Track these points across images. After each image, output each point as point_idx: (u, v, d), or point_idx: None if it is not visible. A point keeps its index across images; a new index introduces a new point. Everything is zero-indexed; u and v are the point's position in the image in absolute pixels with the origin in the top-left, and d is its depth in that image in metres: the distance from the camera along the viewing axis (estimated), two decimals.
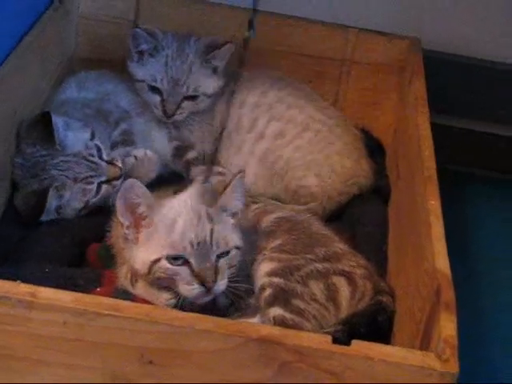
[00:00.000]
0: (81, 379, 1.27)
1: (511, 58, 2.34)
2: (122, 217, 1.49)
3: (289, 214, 1.72)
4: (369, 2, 2.29)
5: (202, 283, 1.45)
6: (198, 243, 1.46)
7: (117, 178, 1.82)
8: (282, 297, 1.50)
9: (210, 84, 2.02)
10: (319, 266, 1.56)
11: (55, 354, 1.25)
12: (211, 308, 1.52)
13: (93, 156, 1.81)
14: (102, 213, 1.77)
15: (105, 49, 2.24)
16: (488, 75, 2.33)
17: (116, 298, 1.38)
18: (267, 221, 1.67)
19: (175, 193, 1.58)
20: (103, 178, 1.81)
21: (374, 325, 1.50)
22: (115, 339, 1.23)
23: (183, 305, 1.47)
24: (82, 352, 1.24)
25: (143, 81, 2.02)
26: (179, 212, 1.50)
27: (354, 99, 2.27)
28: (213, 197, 1.54)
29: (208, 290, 1.45)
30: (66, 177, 1.78)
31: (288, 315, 1.47)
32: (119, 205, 1.48)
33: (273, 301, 1.50)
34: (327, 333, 1.35)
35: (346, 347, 1.21)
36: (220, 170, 2.05)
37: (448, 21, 2.30)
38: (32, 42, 1.90)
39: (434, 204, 1.52)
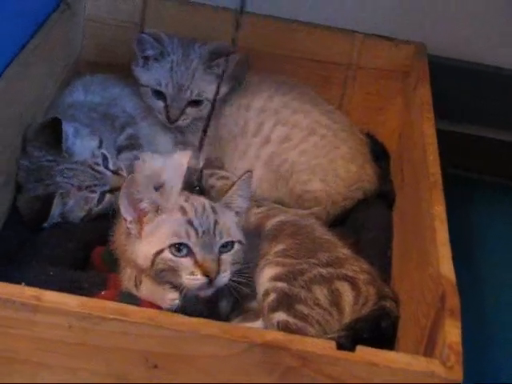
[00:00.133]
0: (84, 383, 1.27)
1: None
2: (124, 212, 1.50)
3: (292, 219, 1.72)
4: (374, 6, 2.29)
5: (205, 274, 1.44)
6: (203, 232, 1.47)
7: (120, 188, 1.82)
8: (285, 302, 1.50)
9: (213, 90, 2.02)
10: (323, 270, 1.56)
11: (59, 357, 1.25)
12: (213, 311, 1.53)
13: (98, 165, 1.82)
14: (106, 216, 1.77)
15: (111, 52, 2.24)
16: (493, 81, 2.34)
17: (121, 301, 1.38)
18: (270, 225, 1.67)
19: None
20: (107, 188, 1.81)
21: (377, 330, 1.50)
22: (120, 343, 1.23)
23: (186, 307, 1.47)
24: (86, 356, 1.24)
25: (147, 86, 2.02)
26: (183, 204, 1.51)
27: (359, 104, 2.27)
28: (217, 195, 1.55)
29: (210, 281, 1.45)
30: (71, 184, 1.79)
31: (292, 320, 1.47)
32: (122, 200, 1.49)
33: (277, 306, 1.50)
34: (331, 338, 1.35)
35: (350, 353, 1.21)
36: (224, 174, 2.05)
37: (453, 26, 2.30)
38: (38, 45, 1.90)
39: (439, 209, 1.52)
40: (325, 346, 1.22)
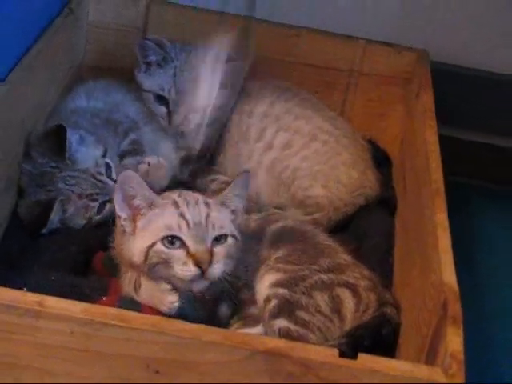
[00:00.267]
0: None
1: None
2: (119, 209, 1.51)
3: (293, 224, 1.72)
4: (377, 13, 2.29)
5: (197, 265, 1.45)
6: (194, 224, 1.47)
7: None
8: (287, 308, 1.50)
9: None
10: (324, 276, 1.56)
11: (62, 363, 1.25)
12: (213, 317, 1.53)
13: (101, 174, 1.82)
14: (107, 223, 1.77)
15: (114, 56, 2.24)
16: (496, 87, 2.34)
17: (121, 307, 1.39)
18: (271, 230, 1.67)
19: None
20: (108, 197, 1.80)
21: (378, 337, 1.50)
22: (122, 349, 1.23)
23: (187, 313, 1.48)
24: (88, 362, 1.24)
25: (150, 91, 2.03)
26: (176, 199, 1.52)
27: (361, 110, 2.28)
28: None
29: (203, 272, 1.45)
30: (72, 192, 1.79)
31: (293, 327, 1.47)
32: (116, 197, 1.50)
33: (278, 312, 1.50)
34: (332, 345, 1.35)
35: (352, 361, 1.21)
36: (226, 179, 2.05)
37: (455, 33, 2.30)
38: (41, 50, 1.90)
39: (441, 217, 1.52)
40: (327, 354, 1.22)
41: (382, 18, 2.29)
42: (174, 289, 1.48)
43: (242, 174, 1.57)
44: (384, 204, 2.03)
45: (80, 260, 1.73)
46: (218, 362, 1.22)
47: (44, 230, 1.76)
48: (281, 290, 1.52)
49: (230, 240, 1.51)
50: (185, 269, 1.46)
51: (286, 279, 1.54)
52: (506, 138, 2.43)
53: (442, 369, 1.20)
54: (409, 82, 2.20)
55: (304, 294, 1.51)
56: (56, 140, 1.79)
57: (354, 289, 1.56)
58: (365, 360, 1.21)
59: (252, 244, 1.62)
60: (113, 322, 1.21)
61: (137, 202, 1.50)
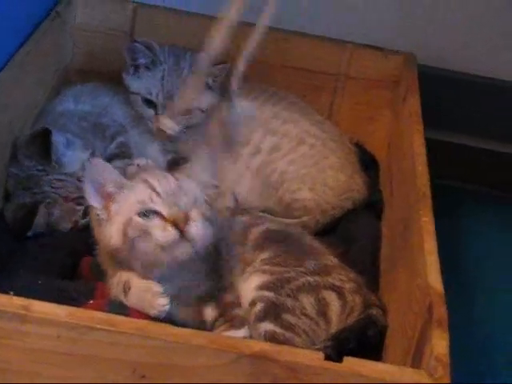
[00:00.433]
0: None
1: (506, 74, 2.34)
2: (92, 200, 1.51)
3: (278, 227, 1.73)
4: (364, 17, 2.30)
5: (175, 226, 1.46)
6: (166, 193, 1.49)
7: None
8: (272, 311, 1.50)
9: (204, 99, 2.03)
10: (310, 279, 1.56)
11: (48, 367, 1.24)
12: (198, 317, 1.54)
13: None
14: None
15: (101, 60, 2.24)
16: (483, 91, 2.35)
17: (110, 311, 1.39)
18: (257, 233, 1.66)
19: None
20: None
21: (364, 339, 1.50)
22: (108, 354, 1.23)
23: (171, 315, 1.49)
24: (74, 366, 1.24)
25: (138, 94, 2.03)
26: (144, 176, 1.54)
27: (348, 113, 2.28)
28: None
29: (182, 233, 1.46)
30: (58, 195, 1.79)
31: (279, 330, 1.47)
32: (87, 188, 1.51)
33: (263, 316, 1.50)
34: (317, 349, 1.36)
35: (338, 364, 1.21)
36: (213, 182, 2.05)
37: (443, 36, 2.31)
38: (28, 53, 1.90)
39: (427, 220, 1.53)
40: (312, 357, 1.22)
41: (370, 21, 2.30)
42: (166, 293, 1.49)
43: (199, 149, 1.62)
44: (371, 207, 2.03)
45: (67, 264, 1.72)
46: (205, 365, 1.22)
47: (29, 233, 1.76)
48: (266, 293, 1.52)
49: (204, 204, 1.53)
50: (164, 233, 1.46)
51: (271, 281, 1.54)
52: (500, 143, 2.44)
53: (428, 372, 1.20)
54: (396, 86, 2.20)
55: (290, 296, 1.52)
56: (42, 143, 1.79)
57: (339, 291, 1.56)
58: (350, 363, 1.21)
59: (237, 247, 1.62)
60: (99, 326, 1.21)
61: (108, 189, 1.51)
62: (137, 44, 2.00)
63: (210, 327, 1.52)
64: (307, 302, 1.53)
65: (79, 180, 1.80)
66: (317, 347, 1.43)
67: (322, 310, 1.53)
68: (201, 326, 1.51)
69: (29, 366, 1.25)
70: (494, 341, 1.94)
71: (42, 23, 2.05)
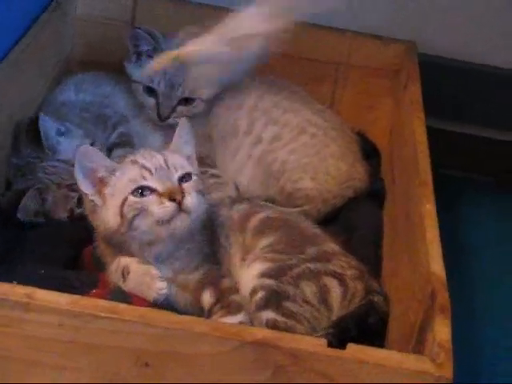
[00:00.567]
0: (76, 381, 1.27)
1: (507, 62, 2.34)
2: (84, 187, 1.52)
3: (278, 214, 1.73)
4: (364, 5, 2.30)
5: (171, 199, 1.48)
6: (156, 169, 1.51)
7: None
8: (274, 299, 1.50)
9: (205, 89, 2.03)
10: (311, 266, 1.56)
11: (51, 355, 1.25)
12: (196, 305, 1.54)
13: None
14: None
15: (102, 50, 2.24)
16: (484, 79, 2.34)
17: (112, 299, 1.39)
18: (256, 220, 1.66)
19: None
20: None
21: (365, 326, 1.50)
22: (111, 341, 1.23)
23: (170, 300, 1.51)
24: (77, 354, 1.25)
25: (140, 82, 2.03)
26: (132, 157, 1.55)
27: (349, 102, 2.28)
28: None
29: (179, 205, 1.48)
30: (51, 181, 1.79)
31: (280, 318, 1.48)
32: (78, 175, 1.51)
33: (265, 304, 1.50)
34: (319, 336, 1.36)
35: (341, 351, 1.21)
36: (215, 172, 2.05)
37: (443, 24, 2.31)
38: (29, 44, 1.91)
39: (429, 207, 1.53)
40: (315, 344, 1.22)
41: (370, 10, 2.29)
42: (162, 276, 1.50)
43: (180, 120, 1.61)
44: (373, 196, 2.03)
45: (69, 254, 1.72)
46: (208, 353, 1.22)
47: (22, 218, 1.76)
48: (268, 281, 1.52)
49: (194, 177, 1.55)
50: (161, 207, 1.48)
51: (273, 269, 1.54)
52: (500, 131, 2.44)
53: (430, 358, 1.20)
54: (397, 74, 2.20)
55: (291, 284, 1.52)
56: (37, 130, 1.80)
57: (340, 278, 1.56)
58: (353, 350, 1.22)
59: (236, 234, 1.63)
60: (102, 314, 1.22)
61: (99, 174, 1.52)
62: (139, 30, 2.01)
63: (207, 313, 1.52)
64: (308, 289, 1.53)
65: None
66: (318, 334, 1.43)
67: (324, 297, 1.53)
68: (200, 313, 1.51)
69: (31, 354, 1.25)
70: (494, 330, 1.95)
71: (43, 14, 2.05)
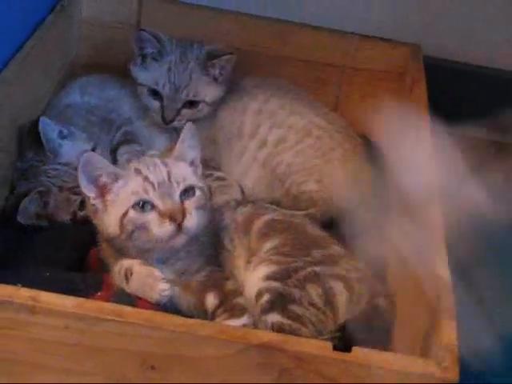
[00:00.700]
0: None
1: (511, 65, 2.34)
2: (86, 190, 1.53)
3: (283, 217, 1.73)
4: (369, 8, 2.29)
5: (172, 220, 1.49)
6: (159, 184, 1.51)
7: None
8: (279, 302, 1.50)
9: (209, 92, 2.03)
10: (317, 268, 1.56)
11: (56, 358, 1.25)
12: (199, 307, 1.54)
13: None
14: None
15: (107, 53, 2.24)
16: (489, 82, 2.34)
17: (117, 301, 1.39)
18: (260, 223, 1.67)
19: None
20: None
21: (371, 329, 1.50)
22: (116, 344, 1.23)
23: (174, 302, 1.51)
24: (83, 357, 1.25)
25: (145, 85, 2.03)
26: (136, 166, 1.55)
27: (354, 105, 2.27)
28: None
29: (179, 226, 1.49)
30: (52, 184, 1.79)
31: (286, 322, 1.47)
32: (81, 180, 1.52)
33: (270, 307, 1.50)
34: (325, 339, 1.35)
35: (346, 354, 1.21)
36: (220, 174, 2.06)
37: (448, 27, 2.30)
38: (34, 47, 1.91)
39: (435, 211, 1.52)
40: (321, 347, 1.22)
41: (375, 13, 2.29)
42: (166, 278, 1.50)
43: (185, 125, 1.60)
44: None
45: (73, 257, 1.72)
46: (213, 356, 1.23)
47: (23, 221, 1.76)
48: (273, 284, 1.52)
49: (197, 192, 1.55)
50: (161, 228, 1.49)
51: (278, 272, 1.54)
52: (505, 133, 2.43)
53: (436, 361, 1.20)
54: (402, 77, 2.20)
55: (297, 286, 1.52)
56: (39, 133, 1.80)
57: (346, 281, 1.56)
58: (358, 353, 1.22)
59: (240, 237, 1.64)
60: (107, 317, 1.22)
61: (102, 180, 1.53)
62: (144, 32, 2.01)
63: (211, 316, 1.52)
64: (314, 292, 1.53)
65: (76, 170, 1.80)
66: (324, 337, 1.42)
67: (329, 300, 1.53)
68: (204, 316, 1.51)
69: (36, 356, 1.25)
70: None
71: (48, 17, 2.05)
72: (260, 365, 1.22)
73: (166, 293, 1.48)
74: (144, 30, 2.02)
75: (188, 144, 1.60)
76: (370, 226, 1.68)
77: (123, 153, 1.93)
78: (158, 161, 1.56)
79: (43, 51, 1.97)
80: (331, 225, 1.94)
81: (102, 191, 1.53)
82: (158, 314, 1.27)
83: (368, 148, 2.14)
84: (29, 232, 1.77)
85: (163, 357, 1.23)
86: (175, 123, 2.02)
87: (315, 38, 2.23)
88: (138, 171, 1.54)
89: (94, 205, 1.54)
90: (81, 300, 1.24)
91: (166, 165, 1.55)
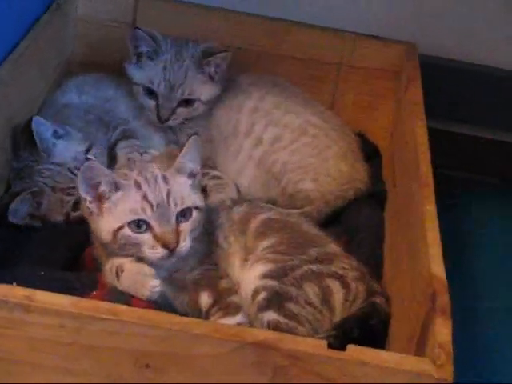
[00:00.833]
0: (77, 383, 1.27)
1: (507, 63, 2.34)
2: (84, 194, 1.53)
3: (279, 216, 1.73)
4: (365, 6, 2.30)
5: (165, 246, 1.49)
6: (158, 205, 1.50)
7: None
8: (276, 301, 1.50)
9: (205, 90, 2.03)
10: (313, 267, 1.56)
11: (51, 357, 1.25)
12: (193, 306, 1.54)
13: (78, 169, 1.80)
14: None
15: (102, 52, 2.24)
16: (484, 80, 2.34)
17: (112, 300, 1.39)
18: (257, 222, 1.67)
19: None
20: None
21: (367, 328, 1.50)
22: (111, 343, 1.23)
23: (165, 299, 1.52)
24: (78, 356, 1.25)
25: (140, 84, 2.03)
26: (137, 178, 1.54)
27: (350, 103, 2.28)
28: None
29: (171, 251, 1.49)
30: (45, 184, 1.79)
31: (282, 320, 1.48)
32: (80, 185, 1.52)
33: (267, 305, 1.50)
34: (321, 338, 1.36)
35: (341, 352, 1.21)
36: (216, 173, 2.06)
37: (444, 26, 2.31)
38: (29, 45, 1.90)
39: (430, 209, 1.53)
40: (316, 345, 1.22)
41: (371, 11, 2.29)
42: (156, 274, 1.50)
43: (191, 137, 1.58)
44: (374, 197, 2.03)
45: (69, 256, 1.72)
46: (208, 354, 1.23)
47: (15, 221, 1.75)
48: (270, 282, 1.52)
49: (194, 214, 1.54)
50: (153, 251, 1.50)
51: (275, 270, 1.54)
52: (501, 132, 2.44)
53: (431, 359, 1.21)
54: (398, 76, 2.20)
55: (294, 285, 1.52)
56: (32, 133, 1.79)
57: (342, 279, 1.57)
58: (353, 351, 1.22)
59: (236, 235, 1.64)
60: (102, 316, 1.22)
61: (102, 188, 1.52)
62: (139, 31, 2.00)
63: (205, 315, 1.53)
64: (311, 290, 1.53)
65: (71, 172, 1.80)
66: (320, 336, 1.43)
67: (326, 299, 1.53)
68: (198, 314, 1.51)
69: (32, 355, 1.25)
70: (496, 330, 1.95)
71: (43, 16, 2.04)
72: (255, 363, 1.22)
73: (157, 289, 1.48)
74: (139, 29, 2.02)
75: (190, 157, 1.57)
76: None
77: (122, 147, 1.93)
78: (158, 174, 1.54)
79: (38, 50, 1.97)
80: (327, 223, 1.95)
81: (100, 197, 1.52)
82: (152, 312, 1.27)
83: (364, 145, 2.15)
84: (24, 231, 1.76)
85: (158, 355, 1.23)
86: (170, 122, 2.02)
87: (311, 36, 2.23)
88: (138, 185, 1.52)
89: (89, 208, 1.54)
90: (76, 299, 1.24)
91: (166, 181, 1.54)
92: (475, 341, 1.88)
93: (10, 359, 1.26)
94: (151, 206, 1.50)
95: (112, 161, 1.93)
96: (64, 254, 1.71)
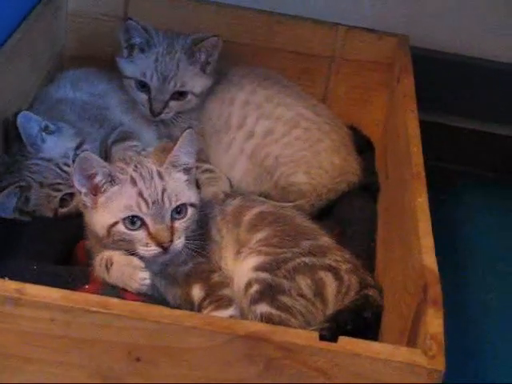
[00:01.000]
0: (68, 376, 1.27)
1: (499, 55, 2.34)
2: (79, 186, 1.52)
3: (272, 209, 1.73)
4: None
5: (159, 244, 1.49)
6: (153, 202, 1.50)
7: None
8: (268, 293, 1.50)
9: (197, 82, 2.02)
10: (306, 259, 1.57)
11: (42, 351, 1.25)
12: (186, 299, 1.54)
13: (67, 165, 1.80)
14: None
15: (94, 45, 2.23)
16: (476, 72, 2.34)
17: (104, 294, 1.39)
18: (250, 214, 1.67)
19: None
20: (73, 190, 1.74)
21: (360, 320, 1.51)
22: (102, 336, 1.23)
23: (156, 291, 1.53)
24: (69, 349, 1.25)
25: (132, 77, 2.02)
26: (133, 174, 1.53)
27: (343, 96, 2.27)
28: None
29: (165, 249, 1.49)
30: (33, 179, 1.78)
31: (275, 312, 1.48)
32: (76, 176, 1.52)
33: (259, 297, 1.50)
34: (314, 330, 1.36)
35: (333, 344, 1.21)
36: (208, 167, 2.05)
37: (436, 18, 2.31)
38: (21, 39, 1.90)
39: (422, 201, 1.52)
40: (307, 337, 1.22)
41: (363, 3, 2.29)
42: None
43: (186, 131, 1.57)
44: (366, 189, 2.03)
45: (61, 250, 1.72)
46: (200, 347, 1.23)
47: (3, 215, 1.75)
48: (263, 275, 1.52)
49: (189, 211, 1.54)
50: (147, 249, 1.49)
51: (268, 262, 1.54)
52: (492, 124, 2.44)
53: (423, 350, 1.21)
54: (390, 68, 2.20)
55: (286, 277, 1.52)
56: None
57: (335, 272, 1.57)
58: (345, 343, 1.22)
59: (230, 228, 1.64)
60: (93, 309, 1.22)
61: (97, 179, 1.51)
62: (132, 22, 2.00)
63: (197, 308, 1.52)
64: (304, 282, 1.53)
65: (60, 168, 1.80)
66: (313, 328, 1.43)
67: (319, 291, 1.54)
68: (190, 307, 1.51)
69: (22, 349, 1.25)
70: (488, 323, 1.95)
71: (34, 9, 2.04)
72: (247, 355, 1.22)
73: (146, 281, 1.48)
74: (132, 20, 2.01)
75: (185, 150, 1.57)
76: None
77: (118, 150, 1.92)
78: (154, 169, 1.54)
79: (30, 43, 1.97)
80: (320, 215, 1.95)
81: (95, 190, 1.52)
82: (143, 305, 1.26)
83: (357, 138, 2.14)
84: (16, 225, 1.76)
85: (149, 348, 1.23)
86: (163, 115, 2.02)
87: (303, 29, 2.22)
88: (133, 182, 1.52)
89: (84, 201, 1.53)
90: (66, 292, 1.24)
91: (161, 177, 1.53)
92: (467, 332, 1.88)
93: (5, 353, 1.26)
94: (146, 202, 1.49)
95: (107, 161, 1.92)
96: (57, 248, 1.71)
